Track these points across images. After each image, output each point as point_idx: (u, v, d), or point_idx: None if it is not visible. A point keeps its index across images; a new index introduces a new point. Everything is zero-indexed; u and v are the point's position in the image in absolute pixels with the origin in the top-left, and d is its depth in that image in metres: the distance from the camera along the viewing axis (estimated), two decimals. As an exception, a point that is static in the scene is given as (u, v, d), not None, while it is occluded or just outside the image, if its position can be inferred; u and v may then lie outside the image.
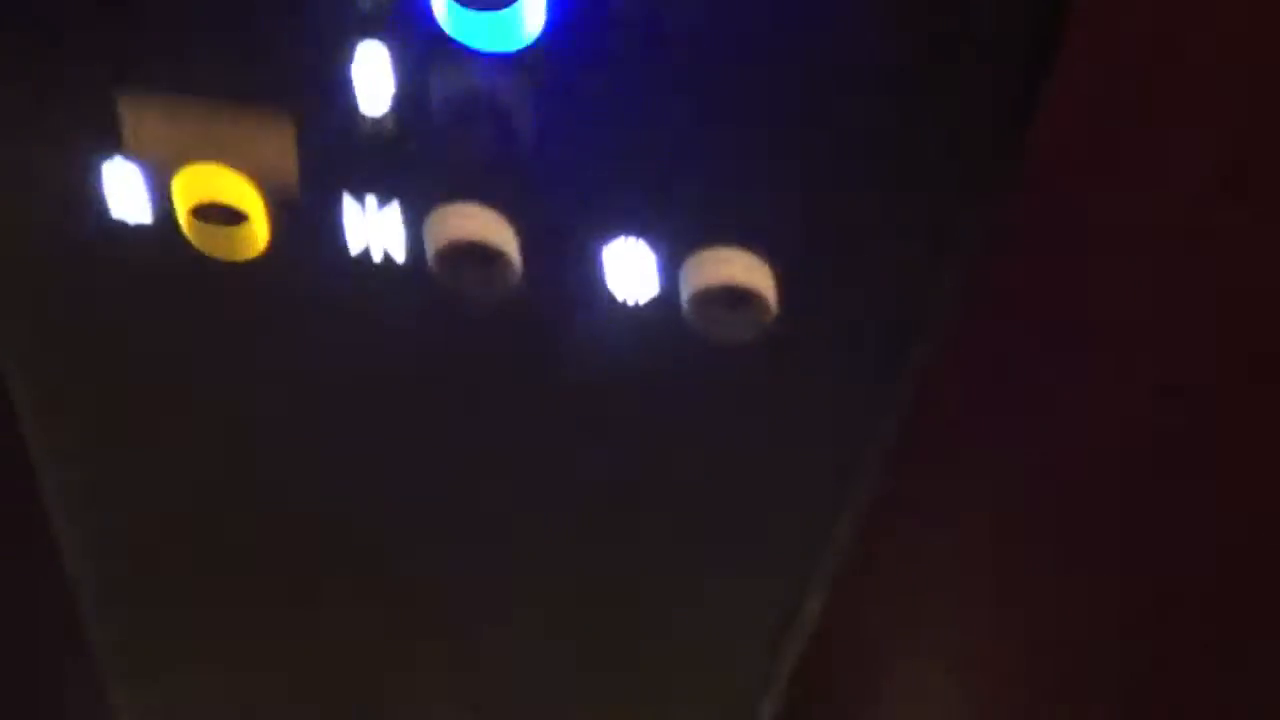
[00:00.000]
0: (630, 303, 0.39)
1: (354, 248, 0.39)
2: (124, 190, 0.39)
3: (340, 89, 0.37)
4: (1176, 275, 0.39)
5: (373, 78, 0.37)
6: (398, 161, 0.38)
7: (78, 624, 0.53)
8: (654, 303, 0.39)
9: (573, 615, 0.50)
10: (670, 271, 0.38)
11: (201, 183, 0.38)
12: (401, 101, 0.37)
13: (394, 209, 0.38)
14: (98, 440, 0.47)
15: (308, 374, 0.43)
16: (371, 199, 0.38)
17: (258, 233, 0.39)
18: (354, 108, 0.37)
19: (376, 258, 0.39)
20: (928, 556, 0.48)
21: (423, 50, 0.36)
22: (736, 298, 0.38)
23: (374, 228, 0.39)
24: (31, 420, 0.46)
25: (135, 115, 0.38)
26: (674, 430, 0.43)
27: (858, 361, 0.40)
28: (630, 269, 0.38)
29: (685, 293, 0.38)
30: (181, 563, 0.51)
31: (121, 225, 0.40)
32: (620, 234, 0.38)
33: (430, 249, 0.38)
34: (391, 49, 0.36)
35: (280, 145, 0.38)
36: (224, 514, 0.49)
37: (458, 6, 0.35)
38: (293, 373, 0.43)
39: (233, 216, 0.39)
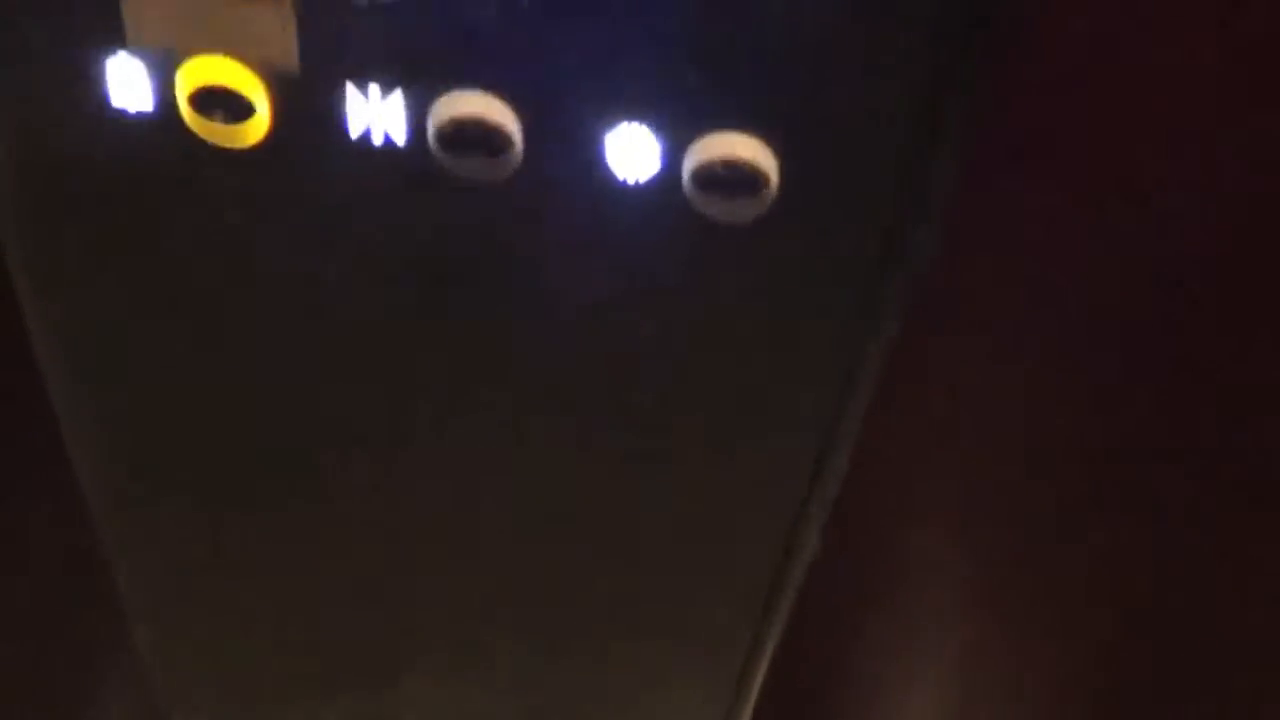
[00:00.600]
0: (631, 182, 0.39)
1: (355, 132, 0.40)
2: (126, 82, 0.39)
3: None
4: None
5: (373, -37, 0.37)
6: (399, 48, 0.38)
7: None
8: (656, 183, 0.39)
9: (577, 513, 0.51)
10: (673, 156, 0.38)
11: (203, 72, 0.38)
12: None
13: (396, 96, 0.38)
14: (102, 339, 0.48)
15: (308, 259, 0.43)
16: (374, 86, 0.38)
17: (259, 120, 0.39)
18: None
19: (377, 141, 0.40)
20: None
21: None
22: (737, 179, 0.38)
23: (376, 113, 0.39)
24: (34, 315, 0.46)
25: (136, 6, 0.38)
26: (673, 310, 0.43)
27: (860, 241, 0.40)
28: (633, 153, 0.39)
29: (686, 173, 0.39)
30: (186, 464, 0.52)
31: (123, 115, 0.40)
32: (623, 119, 0.38)
33: (432, 131, 0.39)
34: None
35: (282, 32, 0.38)
36: (227, 410, 0.50)
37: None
38: (293, 258, 0.43)
39: (235, 104, 0.39)
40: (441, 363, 0.46)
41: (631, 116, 0.38)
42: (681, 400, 0.46)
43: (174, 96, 0.39)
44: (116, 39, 0.39)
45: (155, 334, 0.46)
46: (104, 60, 0.39)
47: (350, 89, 0.39)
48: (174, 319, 0.46)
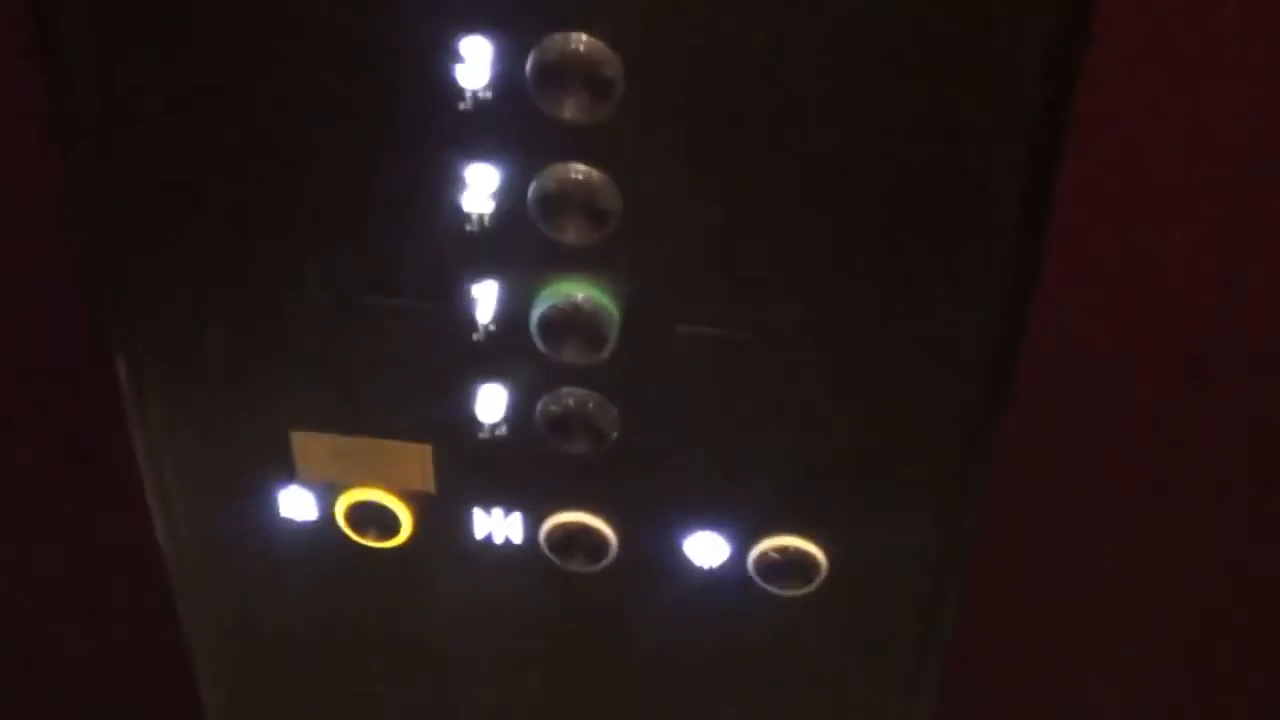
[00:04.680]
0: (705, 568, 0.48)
1: (479, 535, 0.49)
2: (296, 504, 0.49)
3: (465, 418, 0.46)
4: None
5: (491, 409, 0.46)
6: (515, 471, 0.47)
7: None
8: (725, 570, 0.48)
9: None
10: (740, 551, 0.48)
11: (358, 498, 0.48)
12: (514, 425, 0.46)
13: (515, 515, 0.48)
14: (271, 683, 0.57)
15: (440, 633, 0.53)
16: (495, 509, 0.48)
17: (403, 532, 0.49)
18: (476, 432, 0.46)
19: (498, 541, 0.49)
20: None
21: (527, 379, 0.45)
22: (793, 568, 0.47)
23: (497, 524, 0.48)
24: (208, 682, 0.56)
25: (305, 448, 0.48)
26: (740, 664, 0.52)
27: (893, 625, 0.49)
28: (706, 551, 0.48)
29: (750, 562, 0.48)
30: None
31: (291, 525, 0.50)
32: (698, 528, 0.47)
33: (544, 538, 0.48)
34: (506, 385, 0.46)
35: (420, 465, 0.47)
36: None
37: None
38: (428, 631, 0.53)
39: (384, 523, 0.48)
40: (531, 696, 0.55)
41: (703, 525, 0.47)
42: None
43: (333, 509, 0.49)
44: (288, 474, 0.48)
45: (310, 680, 0.56)
46: (278, 491, 0.49)
47: (477, 511, 0.48)
48: (324, 669, 0.55)
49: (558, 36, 0.38)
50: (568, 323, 0.43)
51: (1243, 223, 0.41)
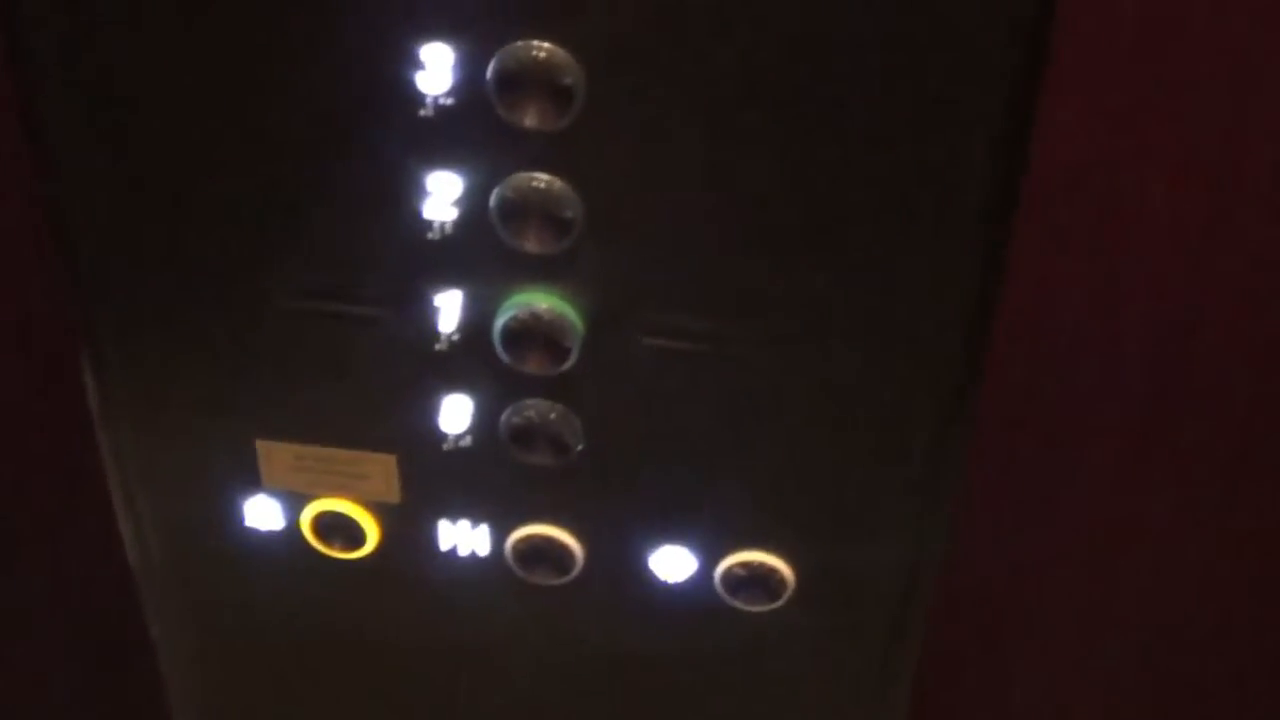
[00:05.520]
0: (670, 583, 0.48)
1: (444, 546, 0.49)
2: (262, 512, 0.49)
3: (429, 428, 0.46)
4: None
5: (455, 420, 0.46)
6: (480, 482, 0.47)
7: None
8: (691, 585, 0.47)
9: None
10: (706, 566, 0.47)
11: (324, 509, 0.48)
12: (479, 436, 0.46)
13: (482, 527, 0.48)
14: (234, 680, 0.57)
15: (406, 641, 0.52)
16: (462, 520, 0.48)
17: (369, 542, 0.48)
18: (440, 441, 0.46)
19: (463, 554, 0.49)
20: None
21: (491, 390, 0.45)
22: (757, 585, 0.47)
23: (462, 535, 0.48)
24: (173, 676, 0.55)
25: (269, 456, 0.47)
26: (702, 674, 0.51)
27: (859, 645, 0.48)
28: (672, 568, 0.47)
29: (716, 579, 0.47)
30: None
31: (257, 534, 0.49)
32: (664, 542, 0.47)
33: (510, 549, 0.47)
34: (471, 396, 0.45)
35: (385, 475, 0.47)
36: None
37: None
38: (394, 639, 0.52)
39: (350, 533, 0.48)
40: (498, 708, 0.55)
41: (669, 539, 0.47)
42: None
43: (299, 519, 0.49)
44: (254, 483, 0.48)
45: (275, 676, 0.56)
46: (244, 500, 0.49)
47: (444, 522, 0.48)
48: (290, 676, 0.55)
49: (519, 44, 0.38)
50: (530, 333, 0.43)
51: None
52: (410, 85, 0.39)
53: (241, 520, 0.49)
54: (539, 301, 0.43)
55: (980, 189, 0.39)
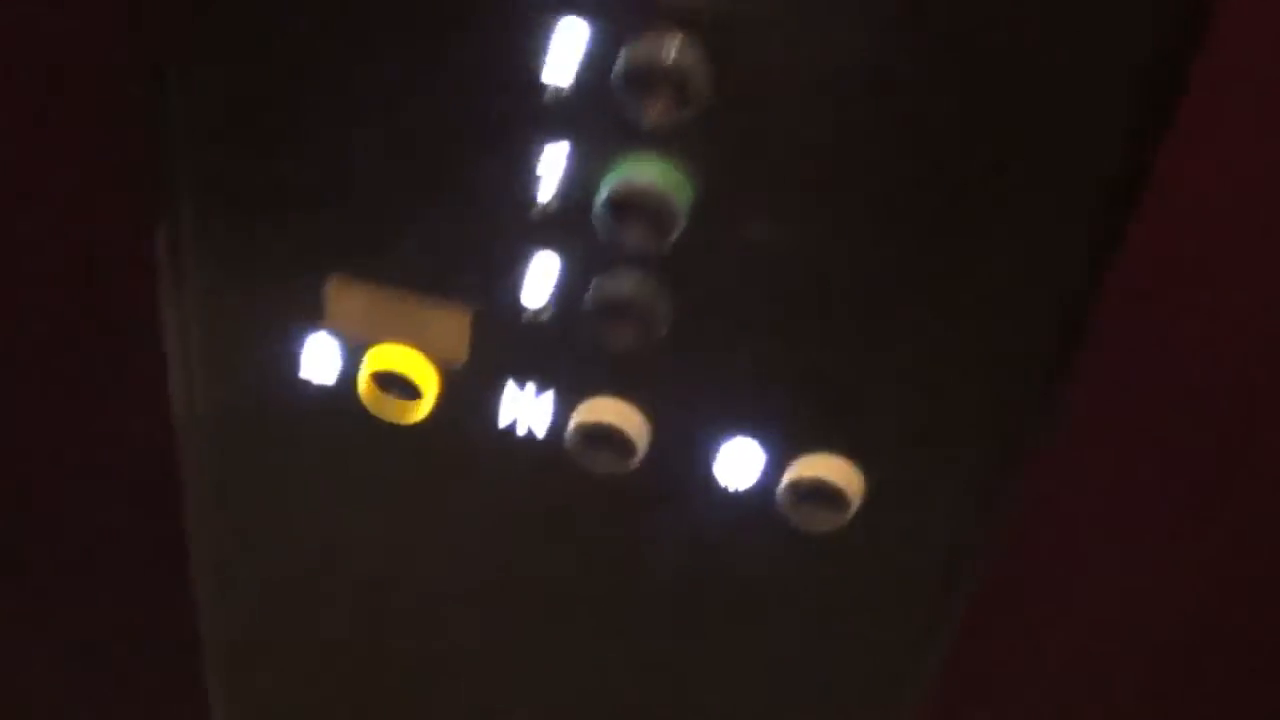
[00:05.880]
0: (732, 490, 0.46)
1: (503, 423, 0.47)
2: (320, 358, 0.47)
3: (512, 289, 0.44)
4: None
5: (541, 282, 0.44)
6: (554, 354, 0.45)
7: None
8: (754, 493, 0.46)
9: None
10: (773, 470, 0.45)
11: (387, 357, 0.46)
12: (562, 303, 0.44)
13: (548, 395, 0.46)
14: (261, 568, 0.55)
15: (446, 525, 0.50)
16: (530, 384, 0.46)
17: (425, 402, 0.46)
18: (521, 305, 0.44)
19: (520, 433, 0.47)
20: None
21: (584, 257, 0.43)
22: (824, 495, 0.45)
23: (525, 409, 0.46)
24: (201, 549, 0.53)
25: (338, 295, 0.45)
26: (755, 600, 0.50)
27: (925, 563, 0.47)
28: (740, 465, 0.46)
29: (782, 486, 0.45)
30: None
31: (309, 386, 0.47)
32: (735, 435, 0.45)
33: (572, 429, 0.46)
34: (562, 259, 0.44)
35: (458, 332, 0.45)
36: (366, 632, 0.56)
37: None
38: (433, 522, 0.50)
39: (409, 387, 0.46)
40: (544, 611, 0.52)
41: (742, 431, 0.45)
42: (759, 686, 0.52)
43: (356, 373, 0.47)
44: (317, 319, 0.46)
45: (308, 560, 0.53)
46: (304, 339, 0.46)
47: (510, 384, 0.46)
48: (327, 550, 0.53)
49: None
50: (637, 202, 0.41)
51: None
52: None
53: (296, 369, 0.47)
54: (651, 171, 0.41)
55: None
